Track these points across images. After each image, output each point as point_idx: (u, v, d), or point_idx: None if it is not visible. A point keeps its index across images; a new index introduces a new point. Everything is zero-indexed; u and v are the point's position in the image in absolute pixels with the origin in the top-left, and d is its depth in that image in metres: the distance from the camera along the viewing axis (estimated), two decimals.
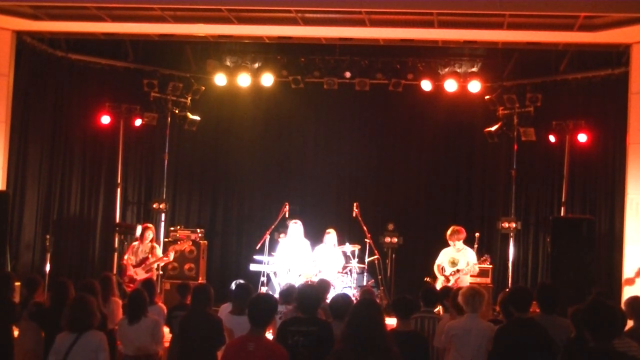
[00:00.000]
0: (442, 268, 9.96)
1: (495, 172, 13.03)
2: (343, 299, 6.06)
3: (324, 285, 7.78)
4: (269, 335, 6.02)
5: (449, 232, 10.10)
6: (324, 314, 6.23)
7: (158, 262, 10.71)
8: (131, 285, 9.97)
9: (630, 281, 9.78)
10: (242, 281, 6.87)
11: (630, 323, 5.93)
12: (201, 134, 13.41)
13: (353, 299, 9.99)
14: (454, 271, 9.83)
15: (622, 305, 6.38)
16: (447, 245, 10.15)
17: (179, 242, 11.14)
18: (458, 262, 9.90)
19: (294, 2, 9.43)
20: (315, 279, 9.95)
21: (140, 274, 10.19)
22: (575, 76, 11.93)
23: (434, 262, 10.16)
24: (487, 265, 11.11)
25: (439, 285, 9.45)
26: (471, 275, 10.25)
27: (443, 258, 10.05)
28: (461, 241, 10.04)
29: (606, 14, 9.46)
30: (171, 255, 10.81)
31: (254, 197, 13.83)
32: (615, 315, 4.25)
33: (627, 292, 9.53)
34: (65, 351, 5.15)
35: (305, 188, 13.64)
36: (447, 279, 9.79)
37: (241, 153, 13.76)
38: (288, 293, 7.10)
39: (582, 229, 9.75)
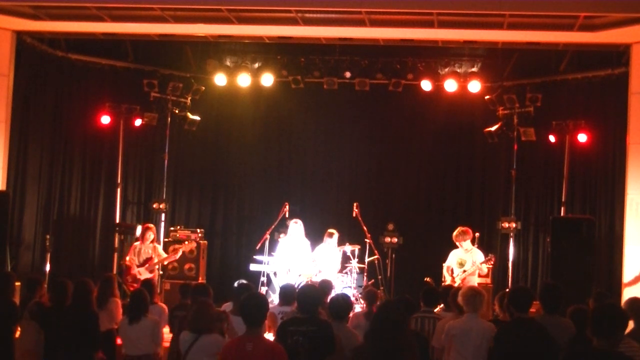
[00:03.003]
0: (452, 270, 9.95)
1: (495, 172, 13.03)
2: (343, 299, 6.06)
3: (324, 286, 7.77)
4: (270, 336, 6.03)
5: (455, 233, 10.07)
6: (325, 314, 6.23)
7: (163, 262, 10.72)
8: (135, 285, 9.95)
9: (631, 283, 9.79)
10: (244, 281, 6.87)
11: (630, 324, 5.93)
12: (201, 134, 13.40)
13: (353, 299, 10.05)
14: (460, 272, 9.82)
15: (622, 306, 6.38)
16: (449, 245, 10.14)
17: (185, 243, 11.15)
18: (466, 262, 9.88)
19: (294, 2, 9.43)
20: (316, 279, 9.96)
21: (144, 274, 10.19)
22: (575, 76, 11.92)
23: (434, 262, 10.18)
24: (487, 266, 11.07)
25: None
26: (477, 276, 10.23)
27: (452, 259, 10.03)
28: (468, 241, 10.01)
29: (606, 14, 9.46)
30: (179, 254, 10.82)
31: (254, 197, 13.82)
32: (624, 316, 4.30)
33: (627, 293, 9.54)
34: (186, 349, 5.37)
35: (305, 188, 13.64)
36: (454, 280, 9.77)
37: (241, 153, 13.75)
38: (288, 293, 7.08)
39: (582, 229, 9.74)
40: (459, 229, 10.10)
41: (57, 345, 6.24)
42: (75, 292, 6.39)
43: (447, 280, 9.90)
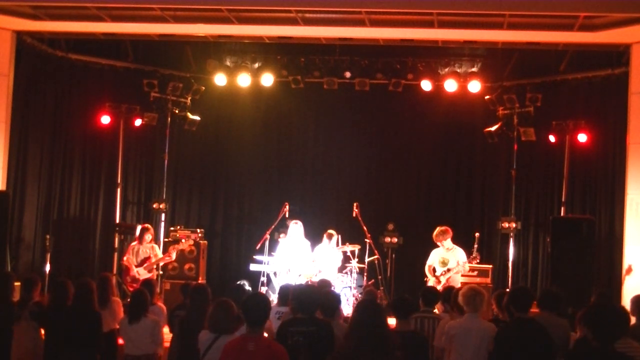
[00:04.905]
0: (433, 269, 9.97)
1: (495, 172, 13.03)
2: (327, 296, 6.01)
3: (323, 285, 7.76)
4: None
5: (435, 232, 10.11)
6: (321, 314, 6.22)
7: (160, 262, 10.71)
8: (134, 285, 9.95)
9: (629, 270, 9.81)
10: (240, 283, 6.87)
11: (632, 321, 5.93)
12: (201, 134, 13.40)
13: (353, 299, 10.05)
14: (444, 271, 9.84)
15: (628, 304, 6.41)
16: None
17: (181, 242, 11.13)
18: (448, 261, 9.92)
19: (294, 2, 9.44)
20: (316, 279, 9.96)
21: (143, 274, 10.19)
22: (575, 76, 11.92)
23: None
24: (478, 265, 10.98)
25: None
26: (463, 275, 10.23)
27: (434, 258, 10.06)
28: (449, 240, 10.04)
29: (606, 14, 9.47)
30: (173, 255, 10.79)
31: (254, 197, 13.82)
32: (622, 316, 4.30)
33: (626, 289, 9.56)
34: (205, 349, 5.27)
35: (305, 188, 13.64)
36: (438, 280, 9.79)
37: (241, 153, 13.75)
38: (286, 294, 7.08)
39: (582, 229, 9.75)
40: (439, 228, 10.14)
41: (58, 345, 6.23)
42: (77, 292, 6.39)
43: (430, 279, 9.92)
